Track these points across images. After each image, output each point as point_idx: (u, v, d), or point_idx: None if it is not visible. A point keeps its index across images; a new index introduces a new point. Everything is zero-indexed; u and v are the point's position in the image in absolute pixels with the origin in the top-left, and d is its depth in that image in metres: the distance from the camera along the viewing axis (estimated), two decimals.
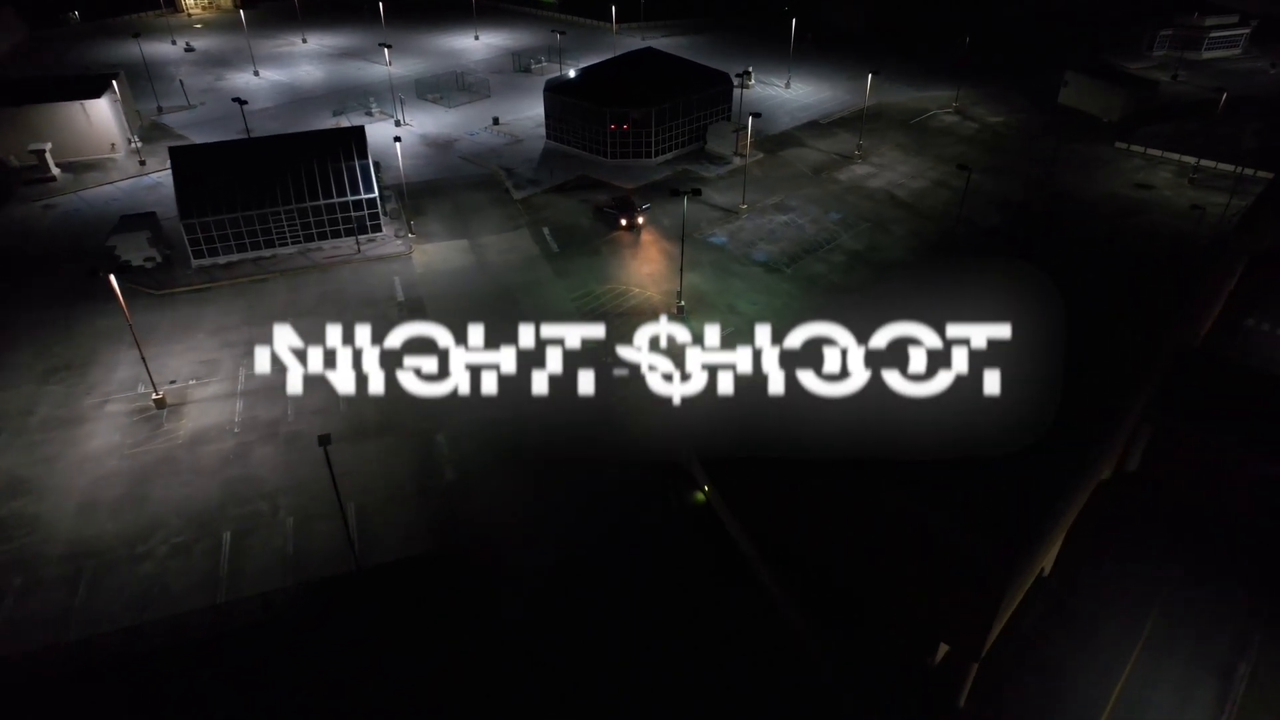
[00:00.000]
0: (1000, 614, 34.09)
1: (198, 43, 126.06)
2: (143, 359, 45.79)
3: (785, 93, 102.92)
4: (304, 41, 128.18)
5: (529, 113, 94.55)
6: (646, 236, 66.77)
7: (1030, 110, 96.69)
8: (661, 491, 41.17)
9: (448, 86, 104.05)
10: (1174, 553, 40.25)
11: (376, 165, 69.51)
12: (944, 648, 35.47)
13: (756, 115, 67.87)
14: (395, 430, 45.44)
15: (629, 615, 34.92)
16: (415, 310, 56.63)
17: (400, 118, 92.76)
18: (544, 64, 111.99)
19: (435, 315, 57.79)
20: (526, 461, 43.23)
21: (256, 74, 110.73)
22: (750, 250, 64.64)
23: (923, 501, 39.74)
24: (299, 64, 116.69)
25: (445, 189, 75.70)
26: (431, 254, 64.24)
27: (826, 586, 35.36)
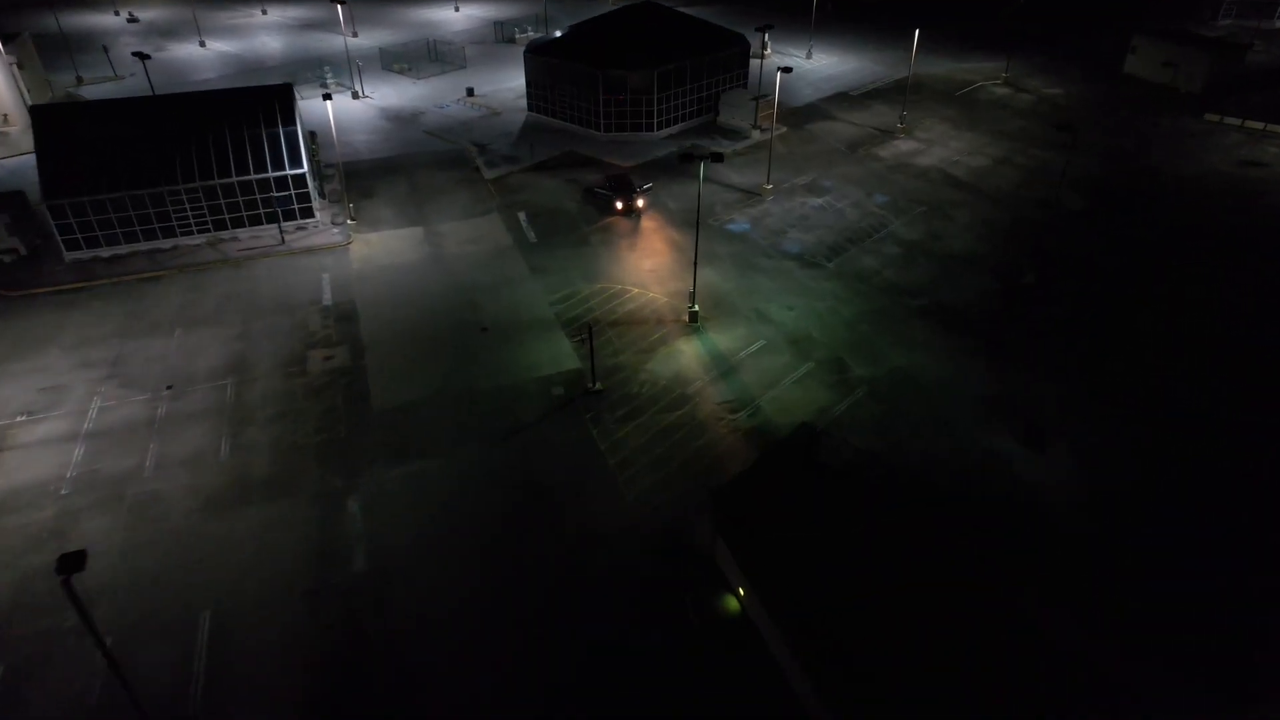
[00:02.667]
0: None
1: (145, 14, 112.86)
2: None
3: (806, 64, 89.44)
4: (264, 13, 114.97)
5: (509, 84, 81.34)
6: (648, 223, 53.32)
7: (1091, 81, 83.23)
8: (676, 592, 27.63)
9: (418, 56, 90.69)
10: None
11: (312, 135, 56.14)
12: None
13: (787, 70, 54.80)
14: (293, 490, 31.95)
15: None
16: (344, 317, 43.14)
17: (358, 89, 79.33)
18: (530, 33, 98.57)
19: (369, 323, 44.40)
20: (475, 539, 29.75)
21: (202, 44, 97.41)
22: (780, 240, 51.14)
23: (1076, 614, 26.36)
24: (255, 35, 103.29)
25: (403, 167, 62.22)
26: (375, 245, 50.72)
27: None
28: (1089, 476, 32.49)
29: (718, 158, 37.51)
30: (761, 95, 67.54)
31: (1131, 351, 40.31)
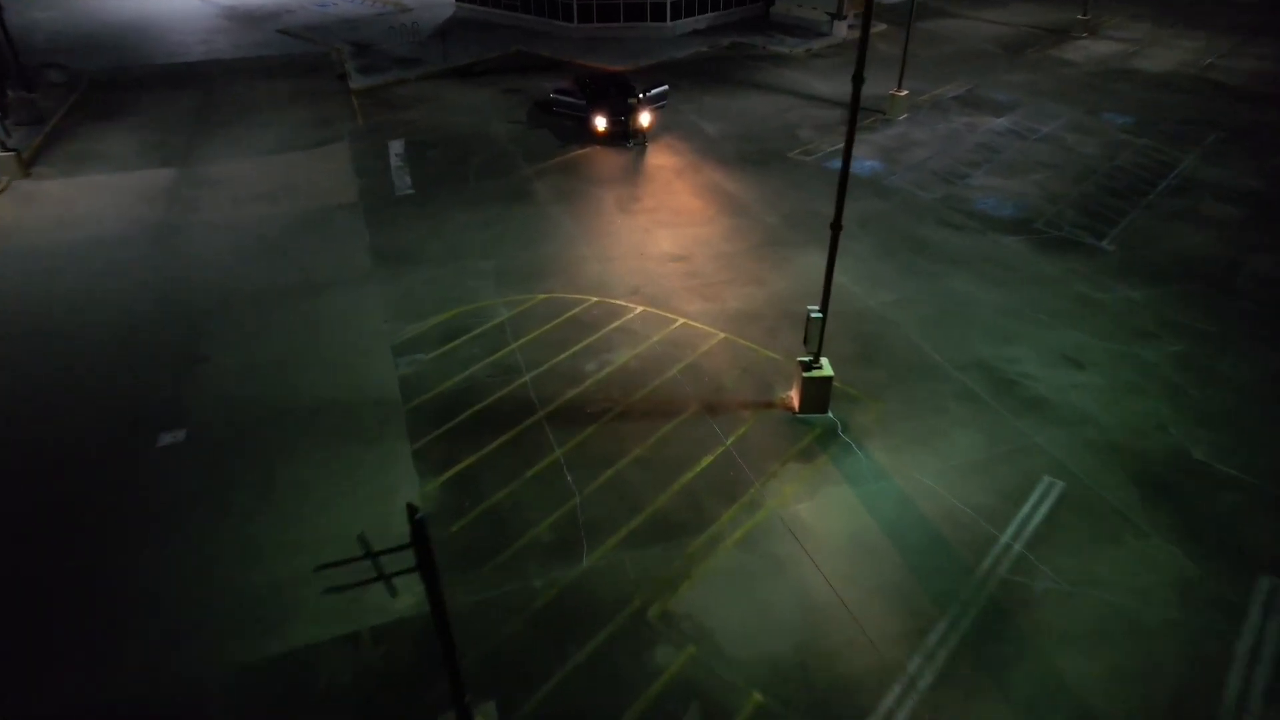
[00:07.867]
0: None
1: None
2: None
3: None
4: None
5: None
6: (661, 158, 25.08)
7: None
8: None
9: None
10: None
11: None
12: None
13: None
14: None
15: None
16: None
17: None
18: None
19: None
20: None
21: None
22: (961, 190, 22.96)
23: None
24: None
25: (207, 75, 34.05)
26: (51, 201, 22.48)
27: None
28: None
29: None
30: None
31: None
